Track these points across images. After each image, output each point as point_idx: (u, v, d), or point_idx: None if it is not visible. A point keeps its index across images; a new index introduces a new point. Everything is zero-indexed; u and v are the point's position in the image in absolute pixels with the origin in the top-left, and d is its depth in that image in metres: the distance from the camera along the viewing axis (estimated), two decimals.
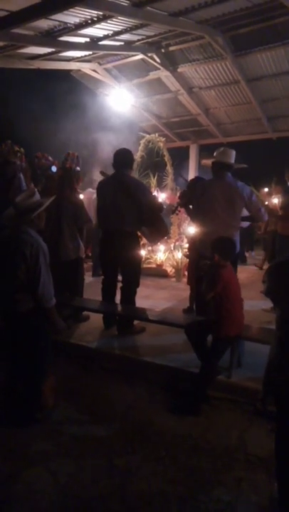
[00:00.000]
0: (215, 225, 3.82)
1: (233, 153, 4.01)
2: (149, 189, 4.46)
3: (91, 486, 2.31)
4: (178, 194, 5.32)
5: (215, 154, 4.03)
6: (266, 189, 8.61)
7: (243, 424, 2.82)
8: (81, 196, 7.28)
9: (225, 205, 3.81)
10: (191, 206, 4.24)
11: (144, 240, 5.23)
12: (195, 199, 4.10)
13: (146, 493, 2.25)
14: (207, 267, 3.07)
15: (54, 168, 5.29)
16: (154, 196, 4.48)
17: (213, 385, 3.13)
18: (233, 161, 3.98)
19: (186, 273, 6.10)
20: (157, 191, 7.71)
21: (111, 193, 4.09)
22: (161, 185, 8.01)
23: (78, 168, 4.81)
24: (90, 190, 6.69)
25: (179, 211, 4.40)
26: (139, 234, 4.36)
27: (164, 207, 4.30)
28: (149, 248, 7.36)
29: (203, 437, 2.71)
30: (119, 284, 4.37)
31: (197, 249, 4.19)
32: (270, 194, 7.66)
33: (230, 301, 2.95)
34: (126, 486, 2.30)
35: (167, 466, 2.45)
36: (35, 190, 3.03)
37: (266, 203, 5.96)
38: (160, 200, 5.48)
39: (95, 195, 5.23)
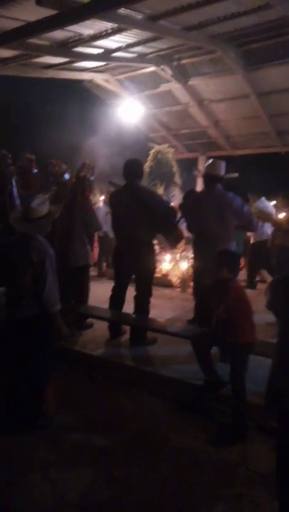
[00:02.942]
0: (206, 237, 3.89)
1: (223, 164, 4.06)
2: (161, 196, 4.55)
3: (90, 495, 2.29)
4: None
5: (205, 167, 4.11)
6: (273, 202, 8.62)
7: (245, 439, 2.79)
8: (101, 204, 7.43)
9: (215, 217, 3.86)
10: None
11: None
12: (188, 212, 4.16)
13: (145, 505, 2.23)
14: (211, 281, 3.06)
15: (67, 176, 5.35)
16: (167, 202, 4.54)
17: (216, 399, 3.11)
18: (222, 172, 4.04)
19: (191, 284, 6.10)
20: None
21: (124, 204, 4.13)
22: (168, 196, 8.05)
23: (92, 178, 4.88)
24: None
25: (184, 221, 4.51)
26: (156, 242, 4.42)
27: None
28: (156, 257, 7.37)
29: (203, 451, 2.68)
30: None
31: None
32: (277, 208, 7.66)
33: (246, 311, 2.93)
34: (125, 498, 2.28)
35: (167, 479, 2.43)
36: (46, 197, 3.07)
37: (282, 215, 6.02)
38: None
39: None
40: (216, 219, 3.86)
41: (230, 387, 3.11)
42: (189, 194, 4.77)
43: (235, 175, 4.36)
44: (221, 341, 3.07)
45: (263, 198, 6.65)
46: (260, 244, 6.52)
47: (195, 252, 4.30)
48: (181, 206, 4.58)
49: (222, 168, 4.04)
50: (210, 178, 4.02)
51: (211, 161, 4.13)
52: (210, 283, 3.09)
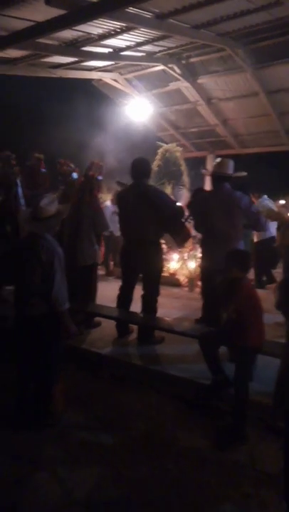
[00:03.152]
0: (214, 236, 3.90)
1: (231, 163, 4.07)
2: (168, 196, 4.54)
3: (97, 494, 2.30)
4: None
5: (213, 166, 4.13)
6: (282, 201, 8.57)
7: (253, 439, 2.77)
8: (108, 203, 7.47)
9: (223, 216, 3.87)
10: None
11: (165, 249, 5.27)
12: (196, 211, 4.18)
13: (152, 504, 2.24)
14: (222, 281, 3.04)
15: (75, 175, 5.37)
16: (175, 202, 4.57)
17: (223, 398, 3.10)
18: (231, 171, 4.05)
19: (199, 283, 6.08)
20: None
21: (132, 203, 4.13)
22: (176, 195, 8.04)
23: (100, 177, 4.89)
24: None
25: (192, 220, 4.51)
26: (163, 241, 4.43)
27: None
28: (163, 256, 7.36)
29: (211, 451, 2.68)
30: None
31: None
32: (286, 206, 7.62)
33: (256, 311, 2.92)
34: (132, 497, 2.28)
35: (174, 478, 2.43)
36: (55, 197, 3.09)
37: None
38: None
39: None
40: (224, 218, 3.87)
41: None
42: (197, 193, 4.77)
43: (244, 173, 4.35)
44: (229, 342, 3.06)
45: (265, 196, 6.61)
46: (263, 243, 6.47)
47: (203, 252, 4.31)
48: (189, 205, 4.58)
49: (230, 167, 4.05)
50: (218, 177, 4.03)
51: (218, 160, 4.14)
52: (220, 282, 3.08)
